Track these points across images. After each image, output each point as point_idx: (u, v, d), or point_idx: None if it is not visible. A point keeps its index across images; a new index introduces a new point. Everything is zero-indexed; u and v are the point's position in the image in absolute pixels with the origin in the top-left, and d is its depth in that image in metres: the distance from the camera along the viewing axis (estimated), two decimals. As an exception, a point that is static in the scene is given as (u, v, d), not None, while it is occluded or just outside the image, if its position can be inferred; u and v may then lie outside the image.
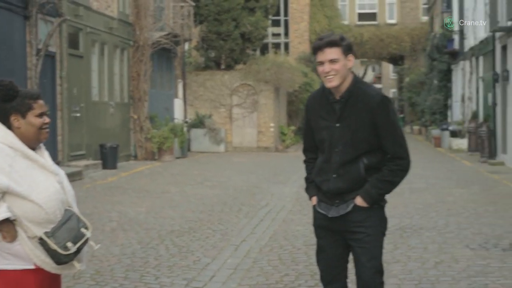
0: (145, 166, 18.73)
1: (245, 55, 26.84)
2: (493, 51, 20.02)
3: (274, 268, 7.19)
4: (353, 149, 4.05)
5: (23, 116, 3.57)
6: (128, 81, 20.14)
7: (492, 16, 18.75)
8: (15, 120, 3.56)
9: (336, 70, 4.00)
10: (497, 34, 19.44)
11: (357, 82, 4.10)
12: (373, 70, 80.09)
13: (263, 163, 20.45)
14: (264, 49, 35.03)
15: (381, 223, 4.18)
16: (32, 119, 3.59)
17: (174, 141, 20.83)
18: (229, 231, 9.30)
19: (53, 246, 3.47)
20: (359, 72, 73.95)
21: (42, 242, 3.48)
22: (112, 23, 18.55)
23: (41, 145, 3.69)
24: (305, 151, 4.41)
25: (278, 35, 39.88)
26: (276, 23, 37.94)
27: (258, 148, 26.00)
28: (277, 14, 36.44)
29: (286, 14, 39.76)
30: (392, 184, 4.08)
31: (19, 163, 3.49)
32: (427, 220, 9.84)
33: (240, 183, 14.77)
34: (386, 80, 72.51)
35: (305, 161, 4.42)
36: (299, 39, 40.22)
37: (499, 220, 9.77)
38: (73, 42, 16.44)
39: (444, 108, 31.17)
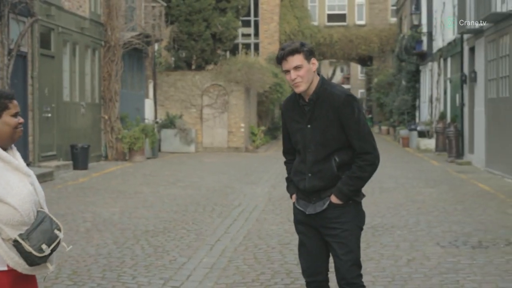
0: (116, 166, 18.71)
1: (216, 56, 26.91)
2: (461, 52, 20.36)
3: (249, 267, 7.29)
4: (324, 148, 4.22)
5: None
6: (99, 82, 20.09)
7: (461, 17, 19.07)
8: None
9: (301, 76, 4.18)
10: (465, 36, 19.77)
11: (324, 83, 4.27)
12: (342, 70, 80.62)
13: (234, 163, 20.55)
14: (234, 50, 35.11)
15: (358, 218, 4.33)
16: (8, 118, 3.63)
17: (145, 142, 20.83)
18: (204, 231, 9.38)
19: (28, 248, 3.49)
20: (328, 72, 74.39)
21: (16, 244, 3.50)
22: (84, 23, 18.48)
23: (13, 146, 3.74)
24: (284, 153, 4.59)
25: (248, 35, 40.02)
26: (246, 24, 38.07)
27: (228, 149, 26.08)
28: (247, 14, 36.57)
29: (256, 15, 39.91)
30: (362, 180, 4.24)
31: None
32: (398, 219, 10.02)
33: (212, 184, 14.85)
34: (354, 80, 73.07)
35: (285, 163, 4.60)
36: (269, 39, 40.40)
37: (467, 219, 9.99)
38: (45, 42, 16.37)
39: (412, 109, 31.56)
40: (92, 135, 19.58)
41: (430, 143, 24.96)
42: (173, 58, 28.72)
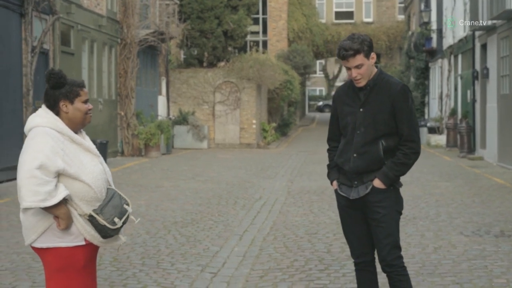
0: (133, 162, 18.99)
1: (228, 53, 27.19)
2: (473, 49, 20.57)
3: (282, 254, 7.56)
4: (374, 130, 4.49)
5: (71, 102, 3.95)
6: (116, 78, 20.37)
7: (473, 15, 19.29)
8: (64, 106, 3.94)
9: (361, 73, 4.47)
10: (477, 33, 19.99)
11: (381, 73, 4.57)
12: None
13: (248, 159, 20.81)
14: (243, 48, 35.32)
15: (397, 203, 4.60)
16: (79, 105, 3.97)
17: (161, 138, 21.11)
18: (230, 222, 9.66)
19: (102, 222, 3.86)
20: (334, 70, 74.57)
21: (91, 218, 3.86)
22: (101, 21, 18.76)
23: (82, 130, 4.07)
24: (329, 140, 4.84)
25: (257, 33, 40.24)
26: (254, 21, 38.25)
27: (240, 145, 26.35)
28: (256, 12, 36.77)
29: (264, 12, 40.14)
30: (406, 166, 4.51)
31: (68, 147, 3.88)
32: (419, 211, 10.28)
33: (230, 178, 15.11)
34: (360, 78, 73.26)
35: (328, 150, 4.84)
36: (277, 37, 40.62)
37: (486, 210, 10.24)
38: (65, 40, 16.64)
39: (421, 105, 31.78)
40: (109, 131, 19.87)
41: (440, 139, 25.18)
42: (183, 56, 28.96)
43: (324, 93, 74.47)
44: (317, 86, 75.52)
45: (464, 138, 20.48)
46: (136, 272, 6.74)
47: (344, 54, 4.41)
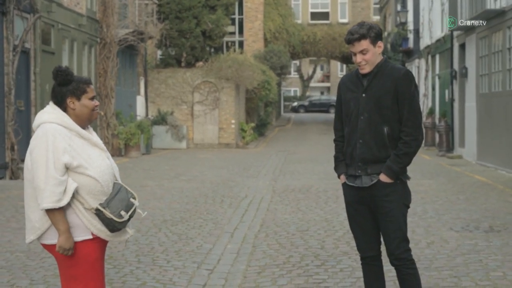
0: (114, 161, 18.86)
1: (206, 53, 27.17)
2: (451, 49, 20.78)
3: (276, 251, 7.58)
4: (377, 115, 4.49)
5: (78, 98, 3.98)
6: (95, 78, 20.24)
7: (452, 15, 19.48)
8: (71, 102, 3.97)
9: (366, 59, 4.50)
10: (455, 33, 20.20)
11: (387, 61, 4.60)
12: (322, 68, 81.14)
13: (228, 159, 20.81)
14: (220, 48, 35.29)
15: (404, 197, 4.60)
16: (86, 101, 4.00)
17: (141, 138, 21.02)
18: (219, 220, 9.67)
19: (109, 215, 3.89)
20: (308, 70, 74.81)
21: (98, 212, 3.88)
22: (81, 20, 18.63)
23: (89, 126, 4.10)
24: (335, 129, 4.83)
25: (233, 33, 40.23)
26: (231, 22, 38.26)
27: (219, 145, 26.33)
28: (232, 12, 36.79)
29: (240, 13, 40.16)
30: (409, 156, 4.47)
31: (76, 142, 3.91)
32: (406, 208, 10.36)
33: (213, 177, 15.11)
34: (334, 78, 73.61)
35: (335, 140, 4.82)
36: (254, 37, 40.65)
37: (472, 207, 10.37)
38: (45, 39, 16.49)
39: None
40: (89, 131, 19.72)
41: (418, 138, 25.36)
42: (160, 56, 28.86)
43: (298, 93, 74.64)
44: (292, 87, 75.71)
45: (443, 137, 20.70)
46: (133, 270, 6.72)
47: (350, 38, 4.47)
